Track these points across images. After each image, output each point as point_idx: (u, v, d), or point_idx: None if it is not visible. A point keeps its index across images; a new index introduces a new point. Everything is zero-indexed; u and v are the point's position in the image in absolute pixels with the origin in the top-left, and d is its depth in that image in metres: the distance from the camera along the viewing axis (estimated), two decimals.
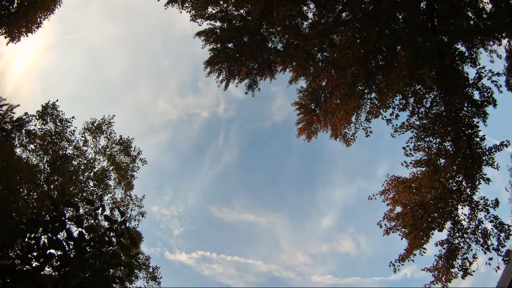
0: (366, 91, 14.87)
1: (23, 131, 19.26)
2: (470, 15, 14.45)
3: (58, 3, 19.89)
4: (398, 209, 14.65)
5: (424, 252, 13.92)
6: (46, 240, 4.00)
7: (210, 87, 55.86)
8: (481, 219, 13.51)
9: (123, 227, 4.32)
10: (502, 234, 13.03)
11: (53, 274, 4.21)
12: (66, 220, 4.17)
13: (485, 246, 13.13)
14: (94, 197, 18.41)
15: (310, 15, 16.30)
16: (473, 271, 13.40)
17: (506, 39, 15.40)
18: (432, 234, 14.15)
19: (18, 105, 21.86)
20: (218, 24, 18.04)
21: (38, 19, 19.50)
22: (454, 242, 13.80)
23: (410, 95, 14.06)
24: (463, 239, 13.69)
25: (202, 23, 17.74)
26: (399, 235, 14.13)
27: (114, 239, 4.26)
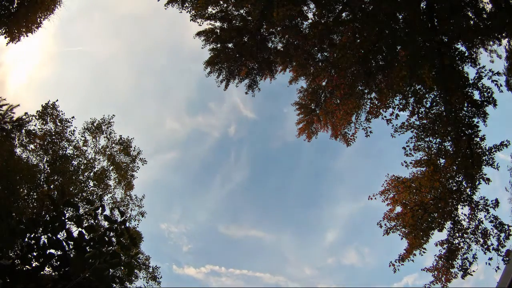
0: (366, 91, 14.88)
1: (23, 131, 19.27)
2: (470, 15, 14.44)
3: (58, 3, 19.89)
4: (398, 209, 14.66)
5: (424, 252, 13.93)
6: (46, 240, 4.00)
7: (221, 107, 55.74)
8: (481, 219, 13.52)
9: (123, 227, 4.32)
10: (502, 234, 13.02)
11: (53, 274, 4.21)
12: (66, 220, 4.17)
13: (485, 246, 13.13)
14: (94, 197, 18.41)
15: (310, 15, 16.31)
16: (473, 271, 13.41)
17: (506, 39, 15.39)
18: (432, 234, 14.15)
19: (18, 105, 21.87)
20: (218, 24, 18.04)
21: (38, 19, 19.49)
22: (454, 242, 13.80)
23: (410, 95, 14.06)
24: (463, 239, 13.69)
25: (202, 23, 17.75)
26: (399, 235, 14.14)
27: (114, 239, 4.26)
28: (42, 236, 4.05)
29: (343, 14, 15.48)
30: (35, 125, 18.88)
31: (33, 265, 3.98)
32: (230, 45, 18.61)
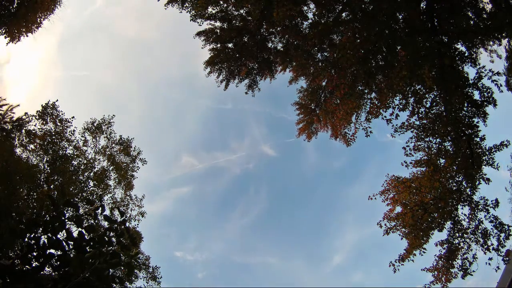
0: (366, 91, 14.87)
1: (23, 131, 19.25)
2: (470, 15, 14.44)
3: (58, 3, 19.90)
4: (398, 209, 14.66)
5: (424, 252, 13.93)
6: (46, 240, 4.00)
7: (242, 144, 55.93)
8: (481, 219, 13.52)
9: (123, 227, 4.32)
10: (502, 234, 13.03)
11: (53, 274, 4.21)
12: (66, 220, 4.17)
13: (485, 246, 13.13)
14: (94, 197, 18.40)
15: (310, 15, 16.33)
16: (473, 271, 13.41)
17: (506, 39, 15.40)
18: (432, 234, 14.15)
19: (18, 105, 21.87)
20: (218, 24, 18.05)
21: (38, 19, 19.50)
22: (454, 242, 13.81)
23: (410, 95, 14.06)
24: (463, 239, 13.69)
25: (202, 23, 17.76)
26: (399, 235, 14.14)
27: (114, 239, 4.26)
28: (42, 236, 4.05)
29: (343, 14, 15.49)
30: (35, 125, 18.88)
31: (33, 265, 3.98)
32: (230, 45, 18.62)
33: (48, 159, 18.26)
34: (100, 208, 4.41)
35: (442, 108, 14.13)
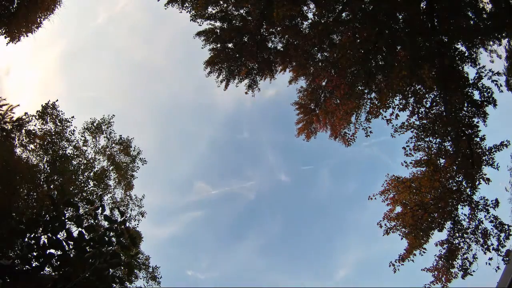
0: (366, 91, 14.87)
1: (23, 131, 19.24)
2: (470, 15, 14.44)
3: (58, 3, 19.89)
4: (398, 209, 14.66)
5: (424, 252, 13.94)
6: (46, 240, 4.00)
7: (257, 171, 56.11)
8: (481, 219, 13.53)
9: (123, 227, 4.32)
10: (502, 234, 13.04)
11: (53, 274, 4.21)
12: (66, 220, 4.17)
13: (485, 246, 13.14)
14: (94, 197, 18.40)
15: (310, 15, 16.33)
16: (473, 271, 13.41)
17: (506, 39, 15.39)
18: (432, 234, 14.16)
19: (18, 105, 21.85)
20: (218, 24, 18.05)
21: (38, 19, 19.49)
22: (454, 242, 13.81)
23: (410, 95, 14.06)
24: (463, 239, 13.70)
25: (202, 23, 17.76)
26: (399, 235, 14.15)
27: (114, 239, 4.26)
28: (42, 236, 4.05)
29: (343, 14, 15.49)
30: (35, 125, 18.86)
31: (33, 265, 3.97)
32: (230, 45, 18.62)
33: (48, 159, 18.25)
34: (100, 208, 4.41)
35: (442, 108, 14.13)
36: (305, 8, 16.00)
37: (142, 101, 53.01)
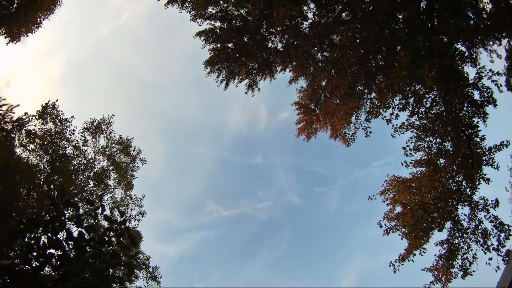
0: (366, 91, 14.87)
1: (23, 131, 19.24)
2: (470, 15, 14.43)
3: (58, 3, 19.89)
4: (398, 209, 14.66)
5: (424, 252, 13.93)
6: (46, 240, 4.00)
7: (269, 194, 56.71)
8: (481, 219, 13.53)
9: (123, 227, 4.32)
10: (502, 234, 13.03)
11: (53, 274, 4.21)
12: (66, 220, 4.17)
13: (485, 246, 13.13)
14: (94, 197, 18.40)
15: (310, 15, 16.30)
16: (473, 271, 13.41)
17: (506, 39, 15.38)
18: (432, 234, 14.16)
19: (18, 105, 21.84)
20: (218, 24, 18.03)
21: (38, 19, 19.50)
22: (454, 242, 13.81)
23: (410, 95, 14.06)
24: (463, 239, 13.69)
25: (202, 23, 17.75)
26: (399, 235, 14.15)
27: (114, 239, 4.26)
28: (42, 236, 4.05)
29: (343, 14, 15.48)
30: (35, 125, 18.85)
31: (33, 265, 3.97)
32: (230, 45, 18.61)
33: (48, 159, 18.25)
34: (100, 208, 4.41)
35: (442, 108, 14.13)
36: (305, 8, 15.98)
37: (152, 120, 53.16)
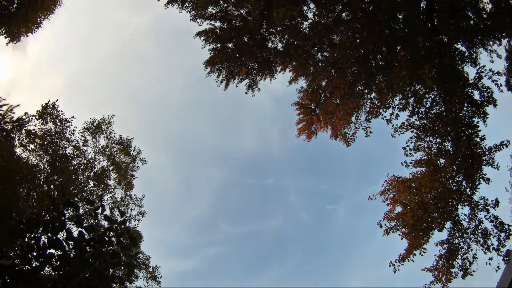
0: (366, 91, 14.88)
1: (23, 131, 19.23)
2: (470, 15, 14.43)
3: (58, 3, 19.89)
4: (398, 209, 14.66)
5: (424, 252, 13.93)
6: (46, 240, 4.00)
7: (280, 212, 56.97)
8: (481, 219, 13.53)
9: (123, 227, 4.32)
10: (502, 234, 13.04)
11: (53, 274, 4.21)
12: (66, 220, 4.17)
13: (485, 246, 13.14)
14: (94, 197, 18.40)
15: (310, 15, 16.29)
16: (473, 271, 13.41)
17: (506, 39, 15.38)
18: (432, 234, 14.16)
19: (18, 105, 21.84)
20: (218, 24, 18.03)
21: (38, 19, 19.49)
22: (454, 242, 13.81)
23: (410, 95, 14.06)
24: (463, 239, 13.70)
25: (202, 23, 17.75)
26: (399, 235, 14.15)
27: (114, 239, 4.26)
28: (42, 236, 4.05)
29: (343, 14, 15.48)
30: (35, 125, 18.85)
31: (33, 265, 3.98)
32: (230, 45, 18.61)
33: (48, 159, 18.25)
34: (100, 208, 4.41)
35: (442, 108, 14.13)
36: (305, 8, 15.97)
37: (163, 141, 53.05)
